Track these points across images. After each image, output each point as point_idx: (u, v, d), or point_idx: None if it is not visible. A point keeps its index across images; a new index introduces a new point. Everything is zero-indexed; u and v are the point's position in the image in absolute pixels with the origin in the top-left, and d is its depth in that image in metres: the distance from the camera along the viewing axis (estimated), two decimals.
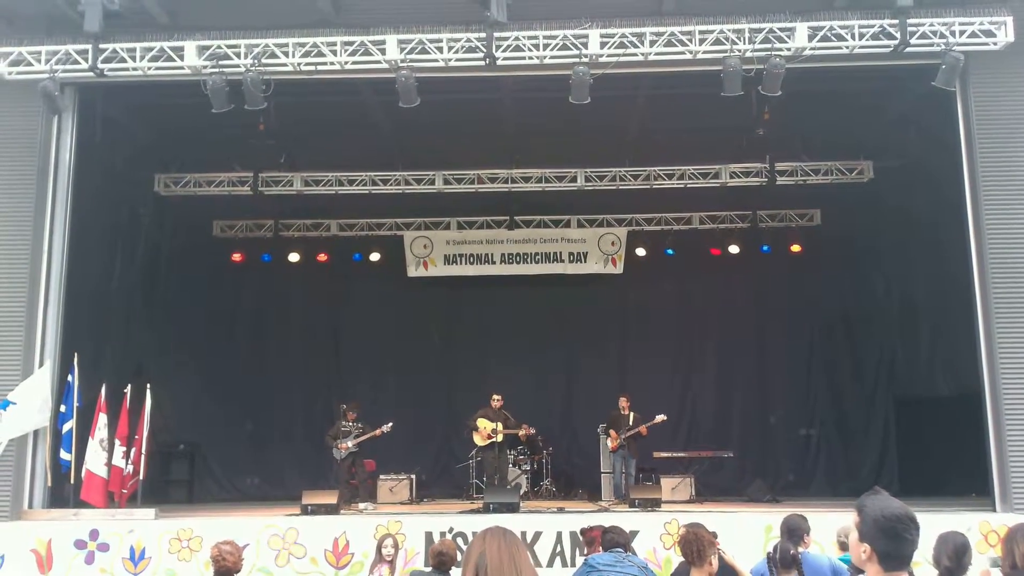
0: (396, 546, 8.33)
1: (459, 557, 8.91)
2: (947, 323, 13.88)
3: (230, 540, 6.45)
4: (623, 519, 9.67)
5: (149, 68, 11.05)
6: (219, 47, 10.98)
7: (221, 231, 17.41)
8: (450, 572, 6.90)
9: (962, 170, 11.02)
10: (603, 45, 10.81)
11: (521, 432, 14.24)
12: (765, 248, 17.00)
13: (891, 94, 12.98)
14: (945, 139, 11.45)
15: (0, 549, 10.00)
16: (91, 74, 11.06)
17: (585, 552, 8.09)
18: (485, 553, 2.94)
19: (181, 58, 10.95)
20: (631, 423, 13.96)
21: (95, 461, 10.96)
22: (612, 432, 14.13)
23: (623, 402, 14.26)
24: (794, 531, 6.32)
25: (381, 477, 14.35)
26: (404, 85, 10.86)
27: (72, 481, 10.98)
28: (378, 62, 10.99)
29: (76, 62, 11.03)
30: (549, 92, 11.60)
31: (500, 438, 13.77)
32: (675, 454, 15.02)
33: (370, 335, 17.68)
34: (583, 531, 8.19)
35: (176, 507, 13.28)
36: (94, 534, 10.05)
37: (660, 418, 13.87)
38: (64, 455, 10.98)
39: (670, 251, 16.99)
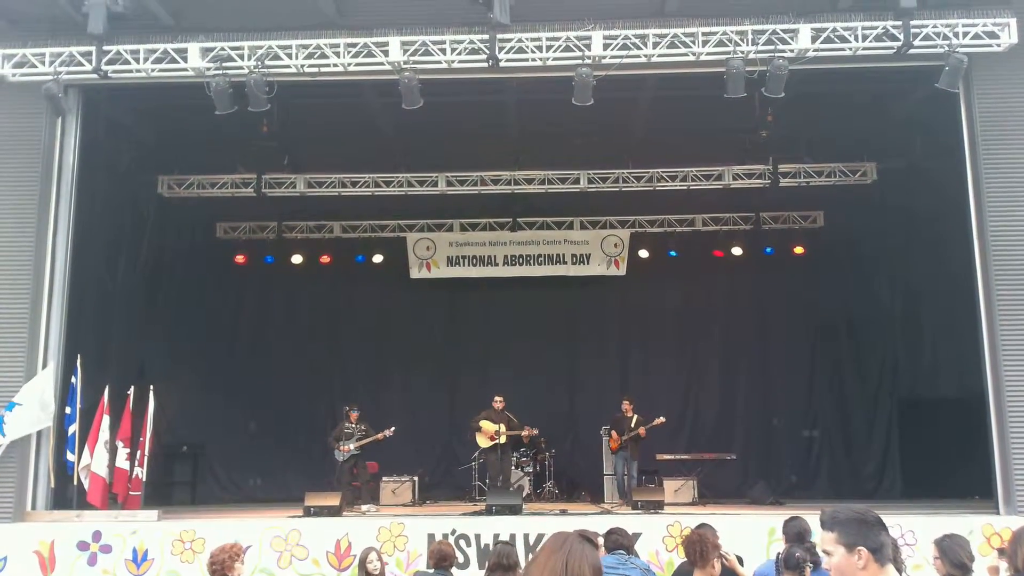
0: (381, 558, 7.94)
1: (460, 558, 8.93)
2: (950, 325, 13.85)
3: (225, 545, 6.41)
4: (626, 521, 9.66)
5: (153, 70, 11.06)
6: (223, 49, 10.99)
7: (224, 233, 17.45)
8: (451, 572, 6.90)
9: (965, 172, 11.00)
10: (606, 47, 10.80)
11: (524, 433, 14.23)
12: (768, 250, 17.01)
13: (894, 96, 12.97)
14: (948, 141, 11.42)
15: (3, 551, 10.00)
16: (95, 76, 11.07)
17: None
18: (532, 563, 2.61)
19: (185, 60, 10.95)
20: (633, 426, 13.97)
21: (99, 463, 10.97)
22: (613, 433, 14.16)
23: (626, 405, 14.27)
24: (801, 535, 6.35)
25: (384, 479, 14.35)
26: (407, 87, 10.86)
27: (75, 483, 10.99)
28: (381, 64, 10.99)
29: (80, 64, 11.03)
30: (552, 94, 11.59)
31: (503, 439, 13.76)
32: (678, 456, 15.02)
33: (373, 336, 17.70)
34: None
35: (179, 509, 13.30)
36: (97, 535, 10.05)
37: (659, 420, 13.89)
38: (70, 456, 11.00)
39: (673, 253, 17.01)
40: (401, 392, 17.20)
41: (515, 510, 11.13)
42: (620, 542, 6.40)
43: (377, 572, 7.84)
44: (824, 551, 2.91)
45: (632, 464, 13.97)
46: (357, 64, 11.05)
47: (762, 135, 13.08)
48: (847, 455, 16.73)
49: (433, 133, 13.45)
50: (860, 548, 2.79)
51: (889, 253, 16.37)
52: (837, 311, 17.22)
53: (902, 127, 13.70)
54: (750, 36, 10.74)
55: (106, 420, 11.14)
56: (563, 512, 11.89)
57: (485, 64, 10.94)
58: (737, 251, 16.90)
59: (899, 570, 4.43)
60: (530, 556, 9.41)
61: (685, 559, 5.76)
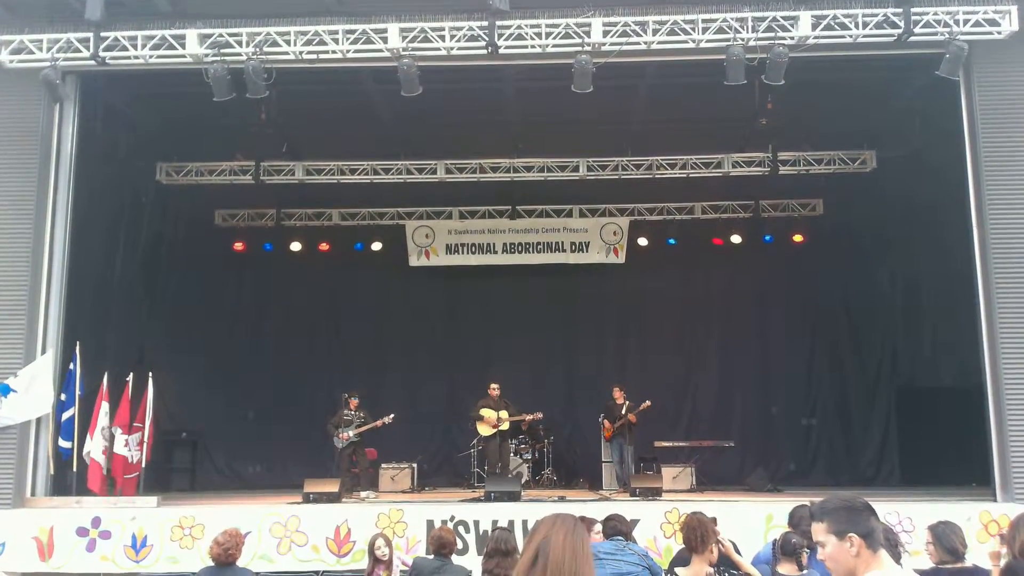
0: (389, 543, 7.99)
1: (459, 544, 8.94)
2: (949, 313, 13.86)
3: (227, 529, 6.43)
4: (624, 508, 9.68)
5: (151, 56, 11.02)
6: (221, 35, 10.94)
7: (223, 220, 17.44)
8: (450, 558, 6.93)
9: (965, 160, 10.98)
10: (606, 34, 10.76)
11: (528, 418, 14.27)
12: (767, 238, 17.03)
13: (895, 83, 12.93)
14: (949, 129, 11.39)
15: (1, 536, 10.02)
16: (93, 62, 11.03)
17: None
18: (549, 540, 2.76)
19: (183, 46, 10.91)
20: (624, 412, 13.98)
21: (98, 449, 10.99)
22: (606, 422, 14.19)
23: (616, 392, 14.28)
24: (802, 523, 6.36)
25: (383, 466, 14.38)
26: (406, 74, 10.83)
27: (74, 469, 11.01)
28: (380, 50, 10.95)
29: (78, 50, 10.99)
30: (551, 81, 11.56)
31: (506, 426, 13.78)
32: (676, 443, 15.05)
33: (371, 324, 17.71)
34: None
35: (178, 495, 13.34)
36: (96, 521, 10.07)
37: (645, 404, 13.87)
38: (64, 443, 11.00)
39: (672, 241, 17.02)
40: (400, 379, 17.19)
41: (514, 497, 11.16)
42: (618, 528, 6.42)
43: (386, 558, 7.81)
44: (817, 542, 2.92)
45: (628, 450, 13.99)
46: (356, 51, 11.00)
47: (762, 123, 13.04)
48: (846, 443, 16.75)
49: (432, 120, 13.43)
50: (851, 535, 2.81)
51: (888, 241, 16.36)
52: (836, 299, 17.24)
53: (902, 115, 13.67)
54: (750, 23, 10.70)
55: (105, 406, 11.16)
56: (561, 499, 11.93)
57: (484, 51, 10.90)
58: (736, 239, 16.90)
59: (898, 557, 4.44)
60: None
61: (683, 545, 5.78)
